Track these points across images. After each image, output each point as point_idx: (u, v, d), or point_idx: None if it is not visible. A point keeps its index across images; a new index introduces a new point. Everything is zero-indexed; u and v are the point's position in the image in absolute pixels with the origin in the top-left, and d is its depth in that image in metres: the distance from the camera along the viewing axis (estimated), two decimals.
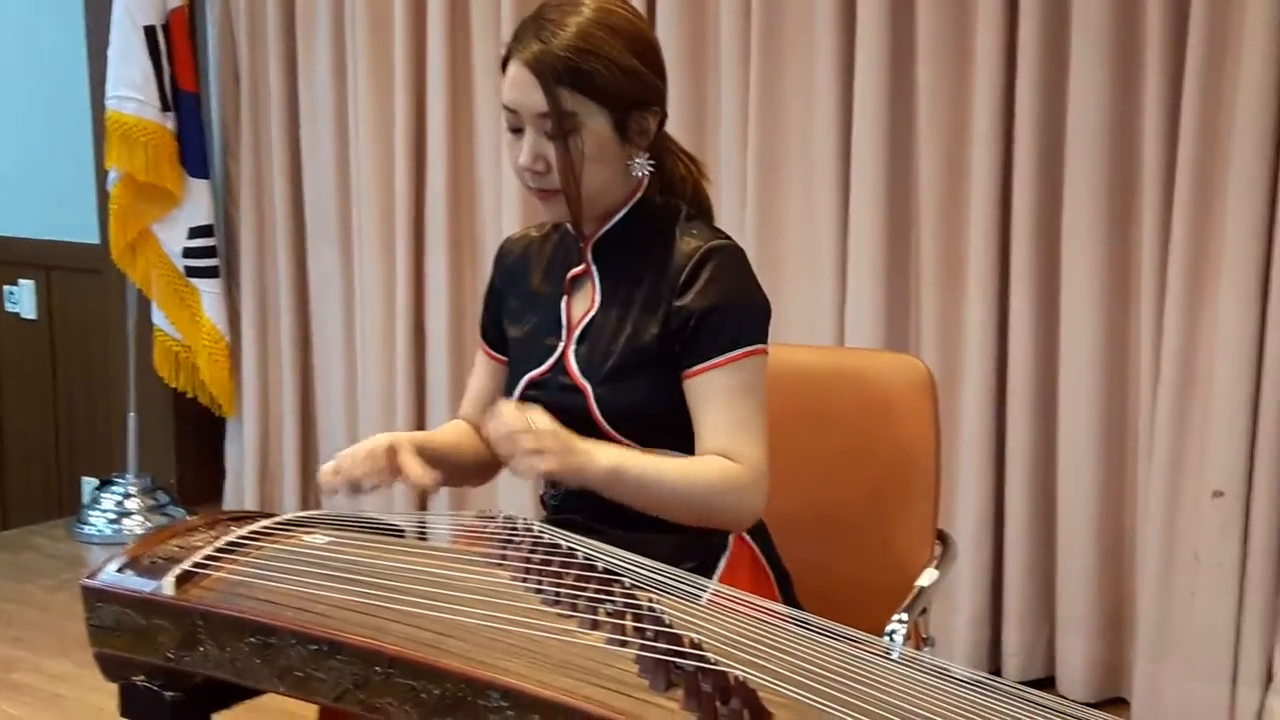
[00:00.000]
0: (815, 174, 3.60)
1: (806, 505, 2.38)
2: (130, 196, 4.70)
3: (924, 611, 2.28)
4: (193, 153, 4.69)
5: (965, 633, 3.50)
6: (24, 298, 5.60)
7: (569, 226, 2.12)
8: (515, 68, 2.00)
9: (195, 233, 4.72)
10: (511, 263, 2.25)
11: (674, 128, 3.65)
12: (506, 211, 4.03)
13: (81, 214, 5.16)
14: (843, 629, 1.71)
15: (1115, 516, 3.36)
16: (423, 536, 2.14)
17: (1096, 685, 3.40)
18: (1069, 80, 3.26)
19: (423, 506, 4.11)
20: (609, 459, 1.92)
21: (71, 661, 3.60)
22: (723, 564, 2.06)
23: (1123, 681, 3.39)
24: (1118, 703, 3.39)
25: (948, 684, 1.56)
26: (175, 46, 4.63)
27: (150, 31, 4.59)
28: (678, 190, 2.15)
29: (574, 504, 2.08)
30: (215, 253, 4.76)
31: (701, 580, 1.81)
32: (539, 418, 1.90)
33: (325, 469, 2.02)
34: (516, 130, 2.04)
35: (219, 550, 1.89)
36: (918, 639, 2.29)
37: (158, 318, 4.83)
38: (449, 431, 2.26)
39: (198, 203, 4.72)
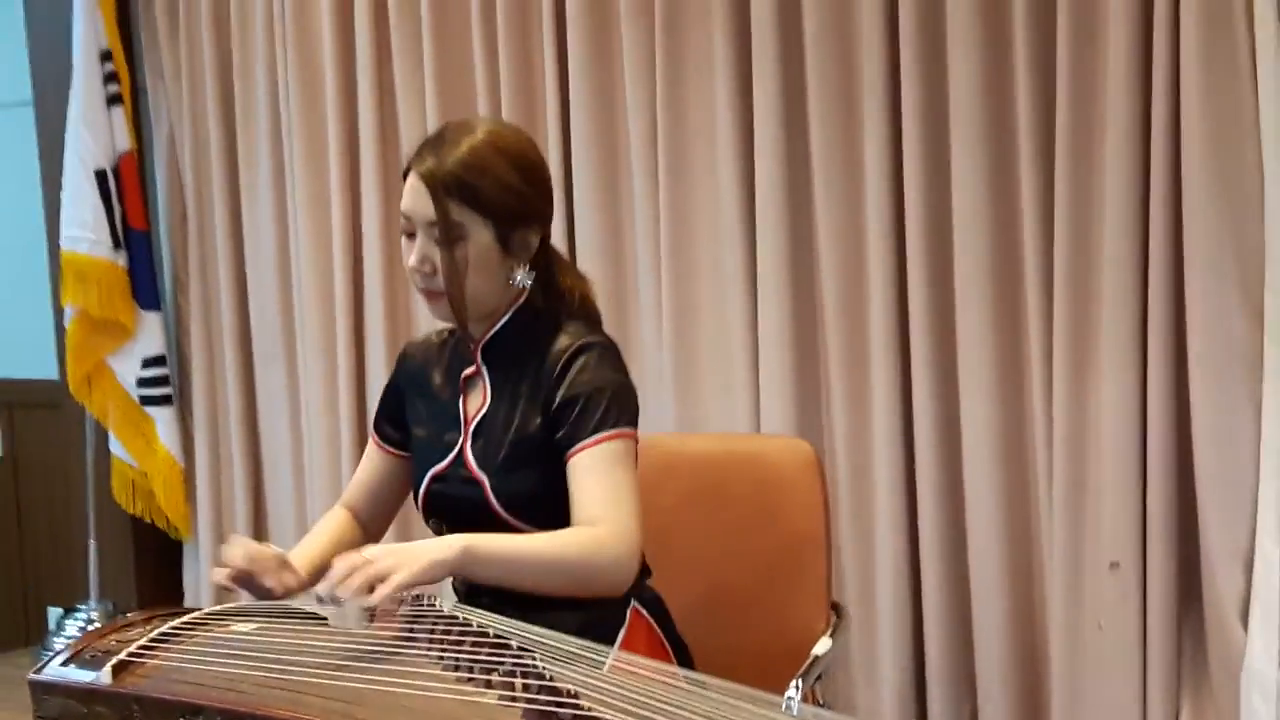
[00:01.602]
0: (725, 281, 3.80)
1: (705, 584, 2.57)
2: (85, 331, 4.87)
3: (819, 678, 2.45)
4: (144, 287, 4.87)
5: (891, 704, 3.65)
6: None
7: (462, 331, 2.32)
8: (412, 178, 2.23)
9: (148, 363, 4.88)
10: (413, 365, 2.45)
11: (592, 232, 3.89)
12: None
13: (41, 351, 5.32)
14: (741, 688, 1.89)
15: (1025, 590, 3.52)
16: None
17: None
18: (951, 176, 3.48)
19: None
20: (458, 543, 2.08)
21: None
22: (621, 635, 2.23)
23: None
24: None
25: None
26: (125, 188, 4.82)
27: (101, 175, 4.79)
28: (565, 298, 2.35)
29: (482, 587, 2.25)
30: (168, 381, 4.92)
31: (603, 649, 1.98)
32: (369, 549, 2.05)
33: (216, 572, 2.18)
34: (410, 235, 2.26)
35: (152, 641, 2.06)
36: (814, 704, 2.46)
37: (115, 447, 4.98)
38: (330, 534, 2.45)
39: (150, 334, 4.89)
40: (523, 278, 2.28)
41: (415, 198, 2.22)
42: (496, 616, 2.02)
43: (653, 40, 3.85)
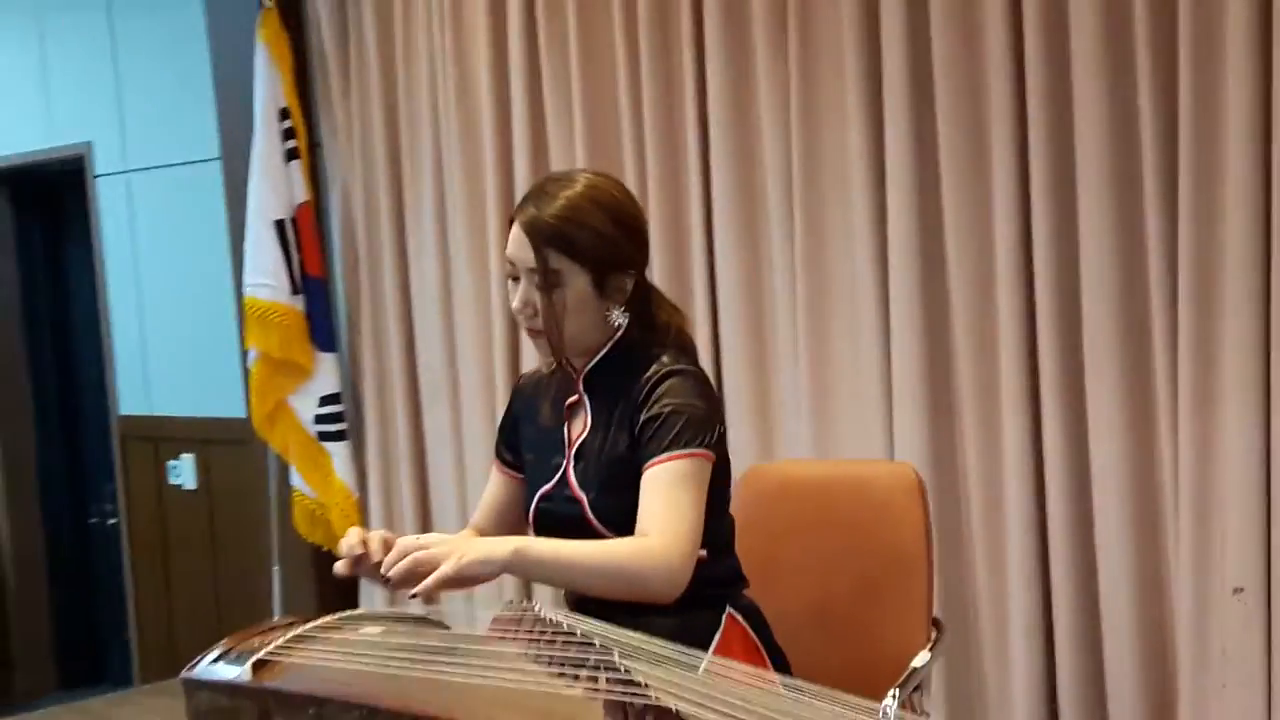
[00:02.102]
0: (859, 320, 3.94)
1: (809, 602, 2.71)
2: (267, 372, 5.20)
3: (918, 689, 2.57)
4: (321, 330, 5.18)
5: None
6: (185, 471, 6.16)
7: (565, 363, 2.51)
8: (515, 228, 2.43)
9: (325, 400, 5.20)
10: (525, 396, 2.65)
11: (732, 270, 4.04)
12: None
13: (230, 391, 5.69)
14: (837, 693, 2.03)
15: (1155, 618, 3.57)
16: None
17: None
18: (1078, 218, 3.57)
19: None
20: (512, 543, 2.27)
21: None
22: (716, 640, 2.39)
23: None
24: None
25: None
26: (303, 237, 5.15)
27: (280, 224, 5.13)
28: (663, 330, 2.52)
29: (589, 598, 2.43)
30: (344, 418, 5.22)
31: (699, 654, 2.14)
32: (429, 537, 2.25)
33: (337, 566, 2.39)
34: (514, 279, 2.46)
35: (290, 641, 2.28)
36: (913, 713, 2.59)
37: (296, 479, 5.29)
38: None
39: (327, 374, 5.20)
40: (618, 317, 2.46)
41: (518, 246, 2.43)
42: (594, 620, 2.19)
43: (788, 88, 4.01)
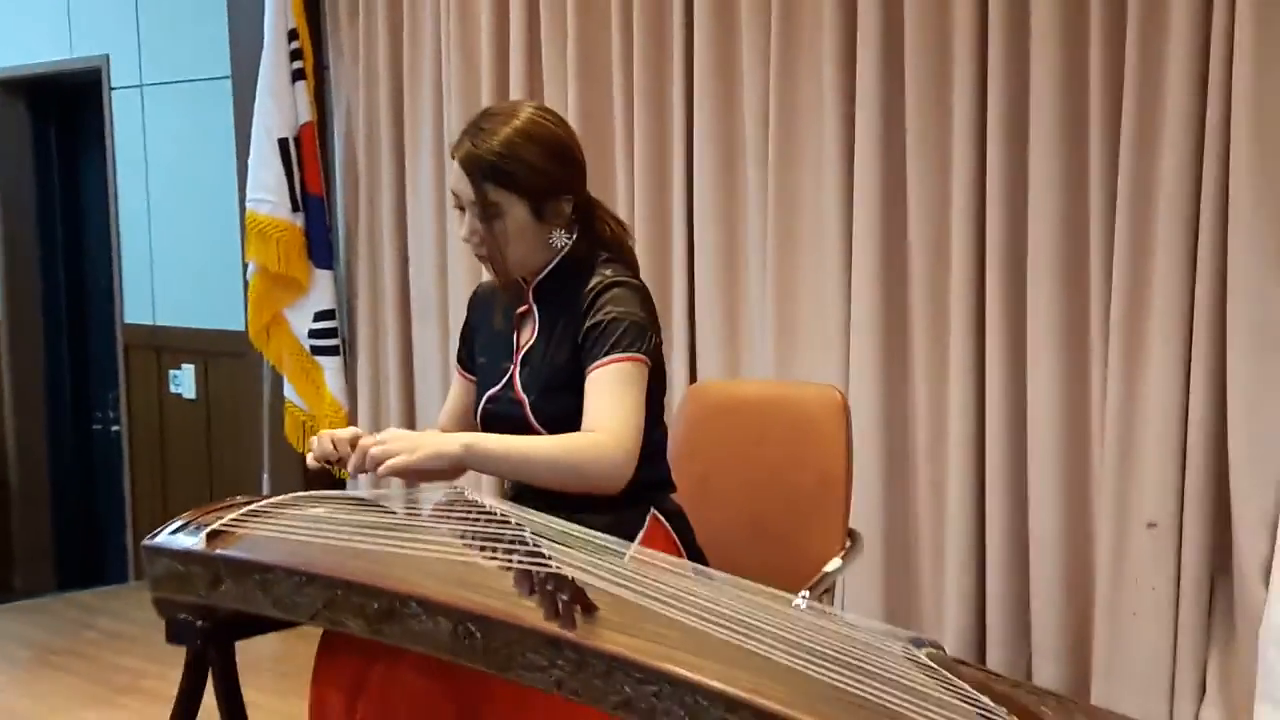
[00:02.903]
0: (824, 257, 4.15)
1: (740, 510, 2.90)
2: (265, 286, 5.39)
3: (827, 591, 2.76)
4: (318, 247, 5.37)
5: (953, 651, 3.91)
6: (185, 380, 6.36)
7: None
8: (454, 162, 2.60)
9: (319, 316, 5.39)
10: (480, 305, 2.83)
11: (714, 221, 4.21)
12: None
13: (231, 305, 5.88)
14: (747, 582, 2.21)
15: (1079, 546, 3.79)
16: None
17: None
18: (1029, 172, 3.77)
19: None
20: (462, 439, 2.47)
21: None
22: (639, 537, 2.57)
23: (1084, 700, 3.79)
24: None
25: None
26: (305, 156, 5.33)
27: (284, 143, 5.30)
28: (606, 245, 2.69)
29: (526, 491, 2.61)
30: (336, 334, 5.41)
31: (625, 544, 2.32)
32: (389, 431, 2.46)
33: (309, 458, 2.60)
34: (460, 208, 2.63)
35: (242, 516, 2.47)
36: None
37: (289, 392, 5.49)
38: None
39: (322, 290, 5.39)
40: (560, 239, 2.63)
41: (457, 179, 2.61)
42: (529, 510, 2.37)
43: (769, 33, 4.20)
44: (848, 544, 2.86)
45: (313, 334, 5.40)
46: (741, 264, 4.35)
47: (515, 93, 4.80)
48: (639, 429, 2.53)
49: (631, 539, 2.54)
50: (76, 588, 6.92)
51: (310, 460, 2.61)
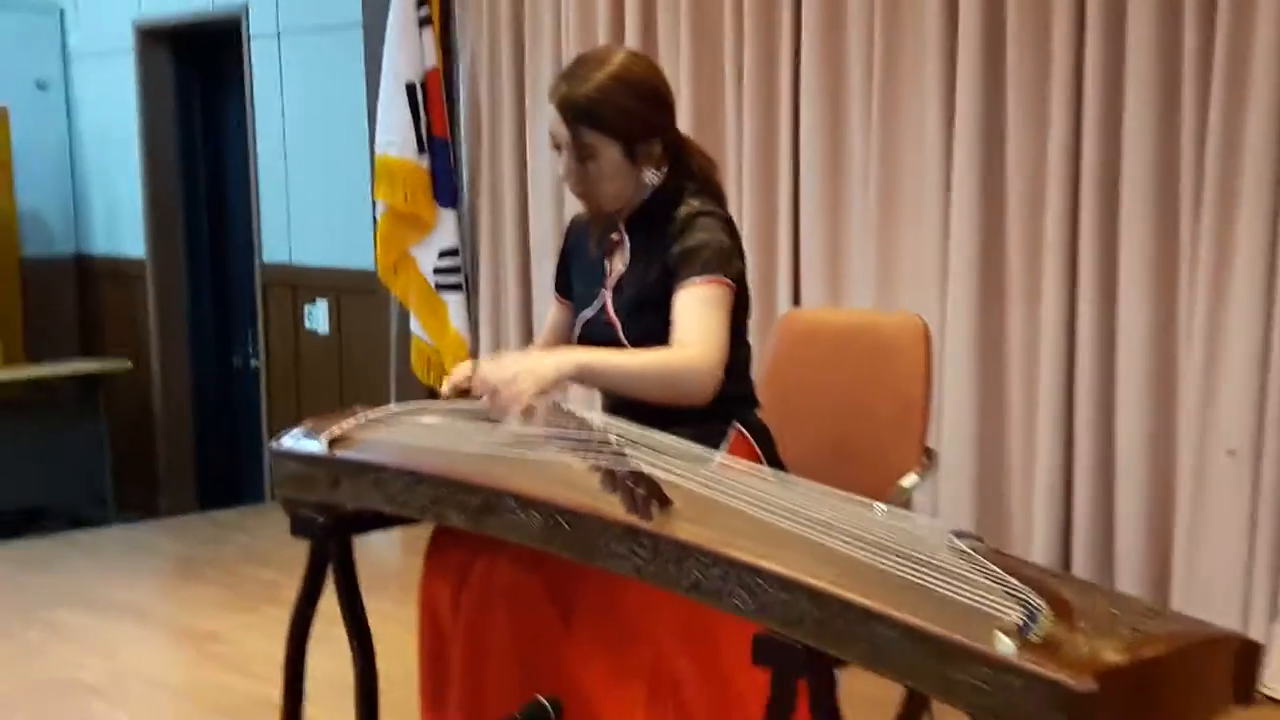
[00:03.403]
0: (925, 199, 4.32)
1: (823, 435, 3.07)
2: (392, 225, 5.65)
3: (904, 506, 2.93)
4: (443, 187, 5.61)
5: None
6: (319, 316, 6.66)
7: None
8: (551, 106, 2.79)
9: (444, 254, 5.64)
10: (576, 234, 3.03)
11: (819, 160, 4.39)
12: None
13: (362, 244, 6.15)
14: (827, 488, 2.38)
15: (1164, 474, 3.93)
16: None
17: None
18: (1124, 117, 3.91)
19: None
20: (573, 358, 2.65)
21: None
22: (723, 448, 2.76)
23: None
24: None
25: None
26: (430, 99, 5.57)
27: (411, 87, 5.55)
28: (696, 178, 2.87)
29: (622, 404, 2.81)
30: (460, 270, 5.66)
31: (712, 454, 2.52)
32: (504, 357, 2.64)
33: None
34: (557, 148, 2.82)
35: (360, 422, 2.71)
36: None
37: (414, 326, 5.75)
38: None
39: (446, 229, 5.64)
40: (651, 177, 2.81)
41: (555, 123, 2.79)
42: (610, 418, 2.58)
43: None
44: (925, 462, 3.02)
45: (437, 271, 5.65)
46: (845, 201, 4.52)
47: (631, 38, 5.00)
48: (724, 346, 2.71)
49: (715, 449, 2.75)
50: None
51: (444, 389, 2.83)
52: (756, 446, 2.85)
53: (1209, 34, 3.71)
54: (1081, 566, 4.04)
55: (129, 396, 7.75)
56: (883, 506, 2.35)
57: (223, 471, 7.68)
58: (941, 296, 4.27)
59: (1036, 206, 4.09)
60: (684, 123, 4.70)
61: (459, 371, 2.84)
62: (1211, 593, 3.75)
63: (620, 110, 2.75)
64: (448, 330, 5.66)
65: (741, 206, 4.70)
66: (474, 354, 5.70)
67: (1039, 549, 4.09)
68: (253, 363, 7.27)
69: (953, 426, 4.25)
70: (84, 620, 4.74)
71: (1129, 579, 3.96)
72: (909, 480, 2.95)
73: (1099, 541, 4.03)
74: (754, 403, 2.91)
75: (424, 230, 5.64)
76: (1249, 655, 1.91)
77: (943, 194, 4.26)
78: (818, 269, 4.57)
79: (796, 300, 4.63)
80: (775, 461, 2.87)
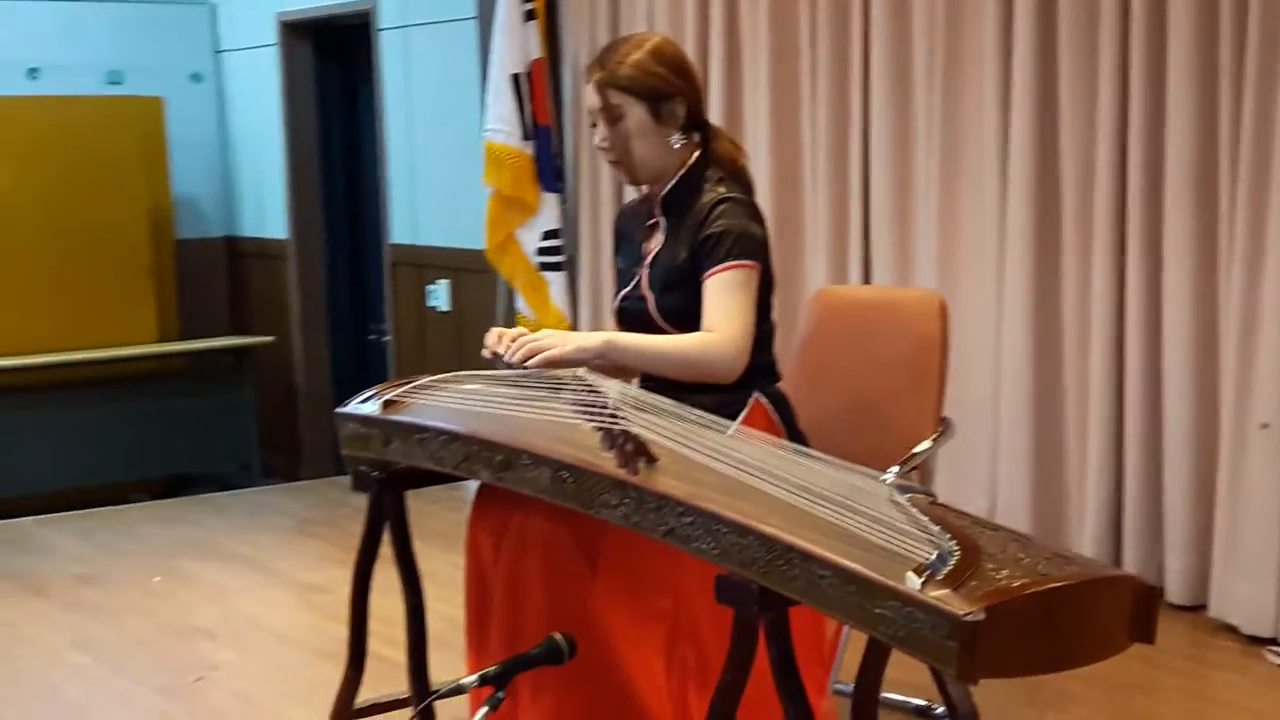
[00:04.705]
0: (983, 182, 4.55)
1: (848, 402, 3.32)
2: (499, 208, 5.98)
3: (915, 469, 3.16)
4: (546, 172, 5.92)
5: (1090, 546, 4.28)
6: (440, 294, 7.03)
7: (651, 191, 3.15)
8: (586, 81, 3.08)
9: (547, 235, 5.95)
10: (623, 221, 3.32)
11: (887, 150, 4.63)
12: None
13: (476, 225, 6.47)
14: (838, 460, 2.65)
15: (1208, 449, 4.10)
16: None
17: (1189, 594, 4.15)
18: (1167, 109, 4.10)
19: None
20: (602, 336, 2.96)
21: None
22: (742, 415, 3.02)
23: (1205, 590, 4.12)
24: (1199, 609, 4.12)
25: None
26: (535, 89, 5.88)
27: (516, 78, 5.86)
28: (723, 164, 3.13)
29: (653, 377, 3.08)
30: (562, 251, 5.97)
31: (728, 423, 2.79)
32: (543, 331, 2.94)
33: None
34: (594, 125, 3.11)
35: (413, 387, 3.02)
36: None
37: (519, 304, 6.08)
38: None
39: (549, 212, 5.95)
40: (677, 140, 3.08)
41: (587, 95, 3.09)
42: (625, 385, 2.85)
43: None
44: (940, 429, 3.24)
45: (540, 251, 5.96)
46: (911, 185, 4.75)
47: (715, 32, 5.28)
48: (749, 327, 2.97)
49: (735, 418, 3.01)
50: None
51: (484, 353, 3.12)
52: (775, 414, 3.10)
53: (1243, 24, 3.88)
54: (1131, 549, 4.24)
55: (273, 369, 8.21)
56: (897, 474, 2.60)
57: None
58: (999, 275, 4.47)
59: (1086, 192, 4.29)
60: (762, 115, 5.01)
61: (491, 334, 3.10)
62: (1247, 564, 3.92)
63: (645, 72, 3.04)
64: (549, 307, 5.97)
65: (817, 199, 4.97)
66: (575, 329, 6.01)
67: (1090, 530, 4.30)
68: (384, 338, 7.66)
69: (1010, 393, 4.46)
70: (204, 570, 5.20)
71: (1176, 553, 4.15)
72: (922, 446, 3.18)
73: (1148, 517, 4.24)
74: (775, 375, 3.17)
75: (528, 213, 5.95)
76: (1148, 597, 2.12)
77: (1000, 179, 4.47)
78: (886, 249, 4.80)
79: (867, 276, 4.86)
80: (793, 429, 3.12)
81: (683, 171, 3.13)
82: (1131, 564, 4.23)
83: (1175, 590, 4.18)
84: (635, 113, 3.06)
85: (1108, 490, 4.29)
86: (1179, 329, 4.10)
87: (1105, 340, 4.26)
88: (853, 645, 2.98)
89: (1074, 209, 4.33)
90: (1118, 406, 4.26)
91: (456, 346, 6.95)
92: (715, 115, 5.27)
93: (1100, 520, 4.30)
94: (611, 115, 3.07)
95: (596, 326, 5.96)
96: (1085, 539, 4.32)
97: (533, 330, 5.66)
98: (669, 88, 3.07)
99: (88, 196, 7.76)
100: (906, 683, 3.38)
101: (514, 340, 3.04)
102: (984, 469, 4.59)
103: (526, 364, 2.90)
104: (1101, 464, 4.29)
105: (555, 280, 5.97)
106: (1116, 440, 4.28)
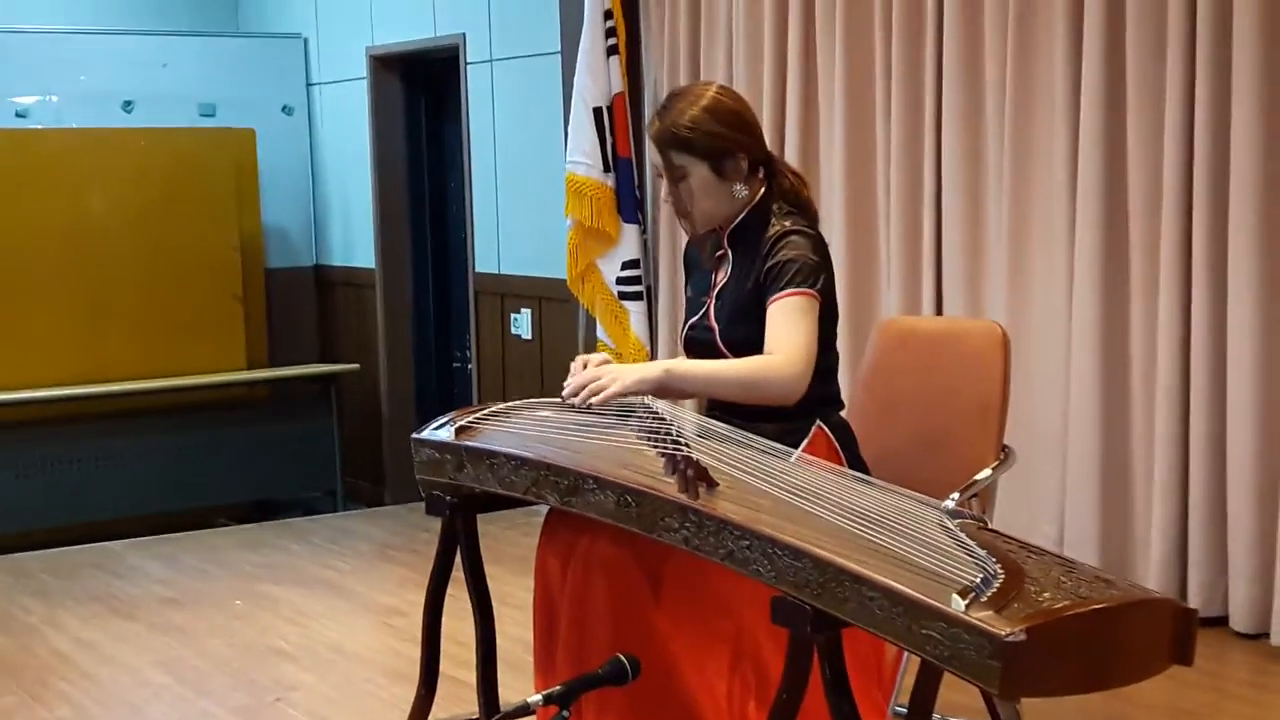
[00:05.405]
0: (1052, 205, 4.59)
1: (911, 431, 3.39)
2: (580, 238, 6.10)
3: (974, 496, 3.22)
4: (626, 204, 6.03)
5: (1155, 573, 4.31)
6: (523, 323, 7.16)
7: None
8: (648, 138, 3.17)
9: (626, 265, 6.05)
10: (692, 252, 3.41)
11: (959, 179, 4.72)
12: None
13: (558, 255, 6.59)
14: (902, 489, 2.73)
15: (1272, 472, 4.14)
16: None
17: (1253, 622, 4.17)
18: (1231, 121, 4.17)
19: None
20: (662, 365, 3.05)
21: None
22: (804, 444, 3.10)
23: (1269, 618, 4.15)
24: (1262, 636, 4.13)
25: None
26: (616, 122, 5.99)
27: (598, 111, 5.98)
28: (787, 196, 3.22)
29: (718, 405, 3.17)
30: (641, 281, 6.07)
31: (790, 451, 2.87)
32: (597, 360, 3.01)
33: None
34: (659, 176, 3.21)
35: (486, 414, 3.13)
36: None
37: (600, 333, 6.18)
38: None
39: (629, 243, 6.05)
40: (741, 190, 3.16)
41: (652, 152, 3.19)
42: (685, 411, 2.95)
43: (1007, 22, 4.70)
44: (1001, 457, 3.30)
45: (620, 281, 6.06)
46: (982, 223, 4.82)
47: (792, 66, 5.37)
48: (810, 351, 3.04)
49: (797, 446, 3.09)
50: None
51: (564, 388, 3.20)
52: (836, 443, 3.18)
53: None
54: (1196, 577, 4.28)
55: (358, 396, 8.37)
56: (956, 502, 2.68)
57: None
58: (1068, 306, 4.53)
59: (1153, 221, 4.34)
60: (837, 149, 5.10)
61: (576, 365, 3.19)
62: None
63: (705, 134, 3.11)
64: (629, 336, 6.07)
65: (890, 232, 5.06)
66: (653, 357, 6.11)
67: (1156, 543, 4.34)
68: (469, 366, 7.80)
69: (1078, 423, 4.51)
70: (285, 593, 5.34)
71: (1241, 579, 4.17)
72: (982, 474, 3.24)
73: (1213, 538, 4.30)
74: (838, 404, 3.24)
75: (608, 243, 6.06)
76: (1186, 620, 2.18)
77: (1068, 212, 4.53)
78: (958, 281, 4.86)
79: (939, 306, 4.92)
80: (855, 457, 3.20)
81: (749, 208, 3.21)
82: (1196, 592, 4.26)
83: (1239, 618, 4.22)
84: (698, 172, 3.15)
85: (1173, 519, 4.33)
86: (1244, 359, 4.15)
87: (1171, 370, 4.31)
88: (912, 668, 3.04)
89: (1141, 240, 4.39)
90: (1183, 436, 4.31)
91: (538, 374, 7.07)
92: (790, 150, 5.38)
93: (1166, 548, 4.33)
94: (675, 175, 3.16)
95: (674, 355, 6.05)
96: (1151, 567, 4.36)
97: (615, 359, 5.90)
98: (730, 144, 3.14)
99: (180, 226, 7.95)
100: (962, 705, 3.44)
101: (598, 366, 3.12)
102: (1053, 498, 4.63)
103: (590, 405, 2.99)
104: (1167, 493, 4.33)
105: (635, 309, 6.06)
106: (1182, 469, 4.32)
